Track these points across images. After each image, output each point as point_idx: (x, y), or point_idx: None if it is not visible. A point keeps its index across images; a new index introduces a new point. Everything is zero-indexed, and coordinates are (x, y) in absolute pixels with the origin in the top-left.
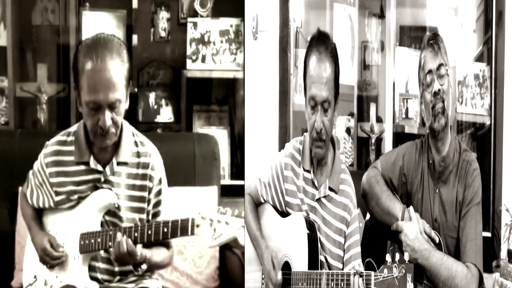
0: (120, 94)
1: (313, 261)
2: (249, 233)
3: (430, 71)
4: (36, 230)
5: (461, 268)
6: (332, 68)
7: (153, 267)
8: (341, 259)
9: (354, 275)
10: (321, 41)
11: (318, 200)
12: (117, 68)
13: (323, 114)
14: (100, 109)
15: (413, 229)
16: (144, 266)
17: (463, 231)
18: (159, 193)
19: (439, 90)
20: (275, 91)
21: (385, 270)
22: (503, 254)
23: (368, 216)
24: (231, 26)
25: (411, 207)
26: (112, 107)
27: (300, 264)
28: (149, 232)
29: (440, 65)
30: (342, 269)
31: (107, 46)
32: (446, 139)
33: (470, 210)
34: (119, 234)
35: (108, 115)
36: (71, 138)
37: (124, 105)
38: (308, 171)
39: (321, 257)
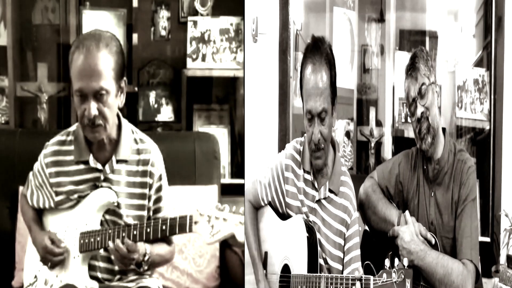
0: (106, 83)
1: (313, 264)
2: (248, 248)
3: (413, 100)
4: (37, 231)
5: (457, 265)
6: (327, 74)
7: (155, 263)
8: (341, 261)
9: (354, 280)
10: (315, 49)
11: (318, 201)
12: (103, 58)
13: (320, 124)
14: (86, 98)
15: (408, 231)
16: (146, 257)
17: (459, 229)
18: (159, 189)
19: (421, 113)
20: (274, 94)
21: (384, 275)
22: (502, 259)
23: (366, 227)
24: (231, 24)
25: (406, 212)
26: (97, 96)
27: (299, 267)
28: (148, 230)
29: (421, 86)
30: (342, 271)
31: (95, 37)
32: (437, 145)
33: (465, 208)
34: (111, 244)
35: (93, 104)
36: (70, 137)
37: (113, 98)
38: (308, 172)
39: (321, 260)
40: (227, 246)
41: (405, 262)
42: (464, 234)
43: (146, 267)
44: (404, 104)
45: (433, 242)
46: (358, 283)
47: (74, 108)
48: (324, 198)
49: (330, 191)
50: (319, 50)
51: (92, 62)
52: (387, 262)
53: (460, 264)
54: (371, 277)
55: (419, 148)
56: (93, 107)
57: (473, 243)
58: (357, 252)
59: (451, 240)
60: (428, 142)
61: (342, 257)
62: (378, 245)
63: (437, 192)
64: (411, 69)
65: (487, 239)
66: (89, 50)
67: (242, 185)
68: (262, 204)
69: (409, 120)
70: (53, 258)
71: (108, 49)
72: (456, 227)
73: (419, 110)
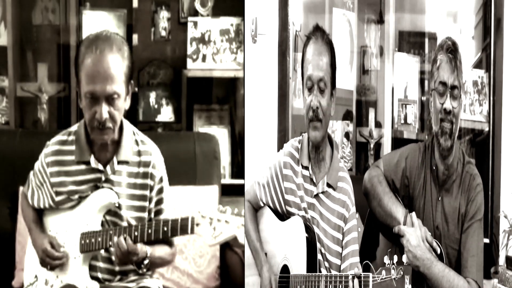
0: (118, 87)
1: (312, 264)
2: (248, 243)
3: (444, 84)
4: (37, 232)
5: (463, 283)
6: (328, 56)
7: (155, 264)
8: (340, 256)
9: (353, 278)
10: (317, 31)
11: (316, 196)
12: (116, 62)
13: (320, 95)
14: (97, 101)
15: (415, 235)
16: (146, 262)
17: (465, 246)
18: (160, 191)
19: (450, 110)
20: (274, 94)
21: (383, 272)
22: (501, 261)
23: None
24: (232, 25)
25: (413, 213)
26: (109, 100)
27: (298, 267)
28: (149, 231)
29: (454, 86)
30: (340, 265)
31: (108, 40)
32: (451, 152)
33: (472, 226)
34: (115, 238)
35: (105, 108)
36: (71, 137)
37: (122, 101)
38: (306, 168)
39: (319, 256)
40: (228, 246)
41: (404, 258)
42: (470, 253)
43: (145, 270)
44: (404, 106)
45: (438, 251)
46: (356, 281)
47: (76, 109)
48: (322, 193)
49: (328, 185)
50: (320, 32)
51: (106, 66)
52: (386, 260)
53: (465, 283)
54: (370, 274)
55: (427, 144)
56: (104, 111)
57: (478, 263)
58: (356, 246)
59: (456, 252)
60: (448, 145)
61: (340, 251)
62: (376, 231)
63: (445, 198)
64: (452, 53)
65: (486, 240)
66: (103, 53)
67: (243, 186)
68: (261, 204)
69: (430, 91)
70: (52, 262)
71: (121, 53)
72: (462, 242)
73: (449, 105)
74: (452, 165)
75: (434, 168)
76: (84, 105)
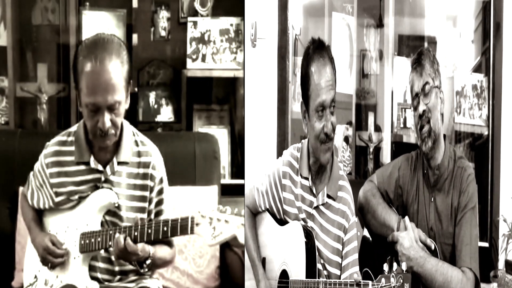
0: (120, 95)
1: (311, 269)
2: (247, 252)
3: (416, 95)
4: (37, 231)
5: (456, 273)
6: (332, 69)
7: (157, 264)
8: (339, 266)
9: (352, 285)
10: (321, 47)
11: (316, 207)
12: (116, 69)
13: (330, 115)
14: (99, 111)
15: (408, 237)
16: (148, 261)
17: (459, 236)
18: (160, 192)
19: (423, 111)
20: (274, 97)
21: (383, 280)
22: (501, 265)
23: (365, 230)
24: (231, 25)
25: (406, 217)
26: (111, 108)
27: (297, 272)
28: (149, 231)
29: (424, 84)
30: (340, 276)
31: (107, 47)
32: (437, 151)
33: (465, 215)
34: (117, 235)
35: (107, 117)
36: (71, 138)
37: (124, 106)
38: (306, 178)
39: (319, 265)
40: (227, 246)
41: (404, 266)
42: (463, 242)
43: (147, 269)
44: (403, 110)
45: (433, 247)
46: None
47: (76, 109)
48: (322, 204)
49: (328, 196)
50: (324, 47)
51: (107, 76)
52: (385, 267)
53: (459, 272)
54: (370, 282)
55: (419, 152)
56: (107, 120)
57: (472, 251)
58: (355, 256)
59: (450, 247)
60: (429, 146)
61: (340, 262)
62: (377, 250)
63: (437, 198)
64: (416, 64)
65: (486, 244)
66: (103, 63)
67: (242, 186)
68: (260, 210)
69: (410, 119)
70: (53, 259)
71: (120, 58)
72: (456, 234)
73: (421, 107)
74: (443, 164)
75: (425, 171)
76: (85, 114)
